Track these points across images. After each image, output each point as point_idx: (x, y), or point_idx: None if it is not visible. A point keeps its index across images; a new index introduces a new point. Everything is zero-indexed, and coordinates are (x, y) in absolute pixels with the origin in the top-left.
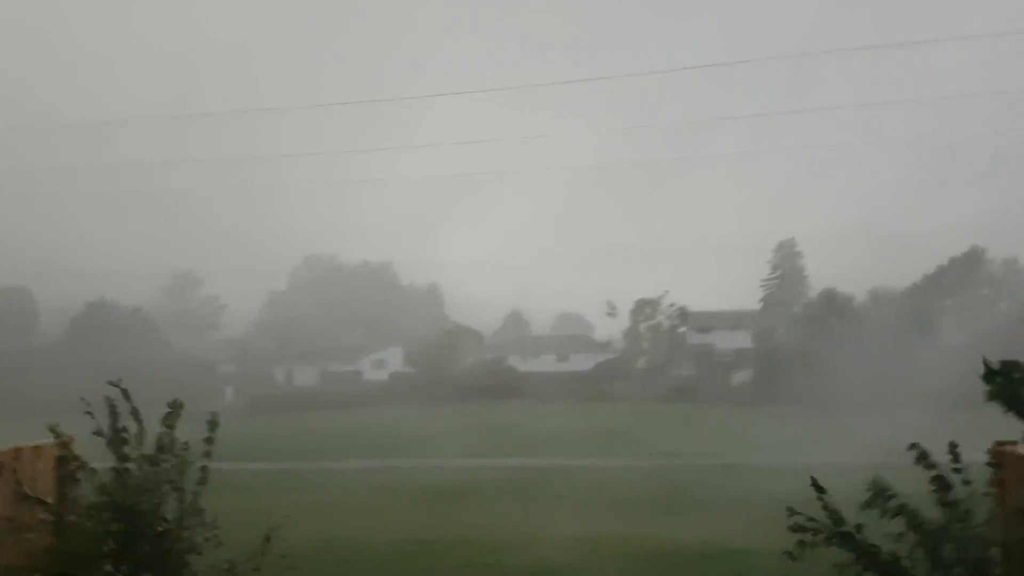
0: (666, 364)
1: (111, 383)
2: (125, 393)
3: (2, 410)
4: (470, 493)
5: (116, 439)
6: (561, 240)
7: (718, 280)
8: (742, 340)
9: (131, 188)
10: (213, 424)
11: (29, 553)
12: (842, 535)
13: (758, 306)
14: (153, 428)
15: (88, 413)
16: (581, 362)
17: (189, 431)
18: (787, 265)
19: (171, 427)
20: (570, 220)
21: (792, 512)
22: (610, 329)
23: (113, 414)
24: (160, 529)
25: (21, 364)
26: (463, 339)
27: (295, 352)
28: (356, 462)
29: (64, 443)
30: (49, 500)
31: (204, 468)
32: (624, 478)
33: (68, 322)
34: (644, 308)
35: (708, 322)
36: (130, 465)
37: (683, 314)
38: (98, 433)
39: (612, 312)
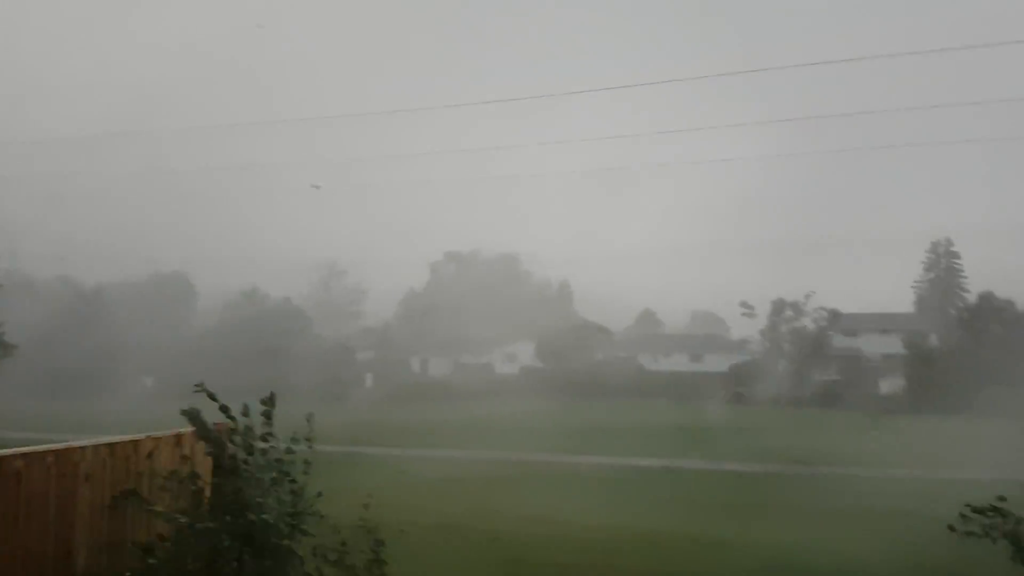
0: (808, 367)
1: (197, 387)
2: (212, 396)
3: (170, 391)
4: (607, 489)
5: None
6: (699, 236)
7: (865, 279)
8: (891, 345)
9: (284, 184)
10: (309, 417)
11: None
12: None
13: (909, 308)
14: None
15: (224, 408)
16: (715, 362)
17: (330, 414)
18: (941, 265)
19: (268, 417)
20: (711, 216)
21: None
22: (747, 329)
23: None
24: (271, 520)
25: (181, 348)
26: (593, 336)
27: (430, 343)
28: (487, 452)
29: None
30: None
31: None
32: (779, 484)
33: (222, 308)
34: (785, 309)
35: (855, 324)
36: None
37: (833, 316)
38: (204, 437)
39: (750, 312)
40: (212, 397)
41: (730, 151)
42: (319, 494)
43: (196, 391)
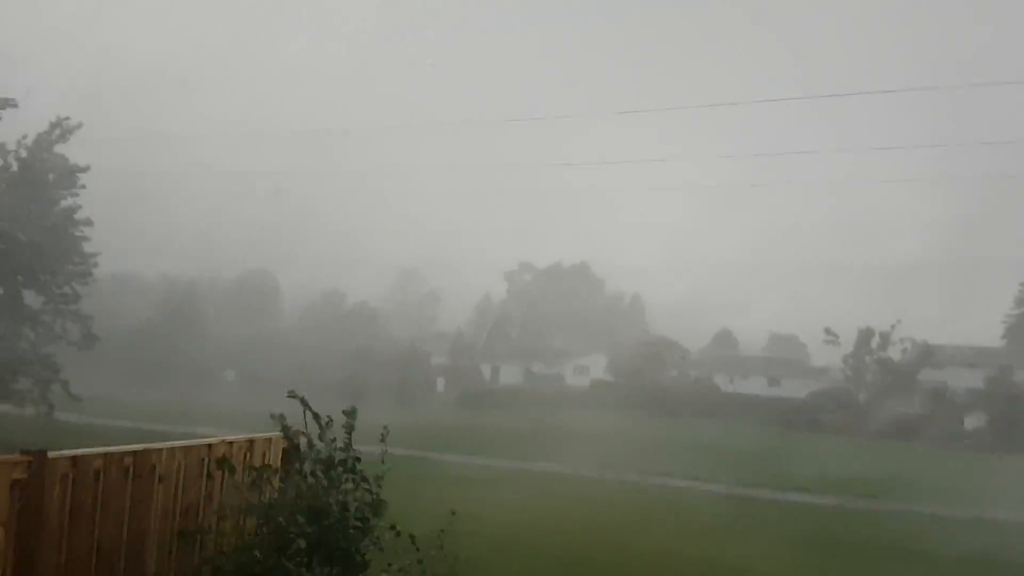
0: (891, 399)
1: (290, 394)
2: (304, 402)
3: (250, 385)
4: (668, 513)
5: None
6: (785, 257)
7: (951, 308)
8: (978, 379)
9: (375, 187)
10: (384, 433)
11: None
12: None
13: (998, 342)
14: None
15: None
16: (793, 388)
17: (400, 417)
18: None
19: (350, 429)
20: (800, 238)
21: None
22: (829, 356)
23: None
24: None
25: (263, 344)
26: (667, 352)
27: (502, 351)
28: (555, 465)
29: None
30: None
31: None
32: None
33: (303, 308)
34: (871, 338)
35: (942, 357)
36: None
37: (923, 350)
38: (290, 442)
39: (833, 340)
40: (304, 404)
41: (825, 173)
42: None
43: (289, 397)
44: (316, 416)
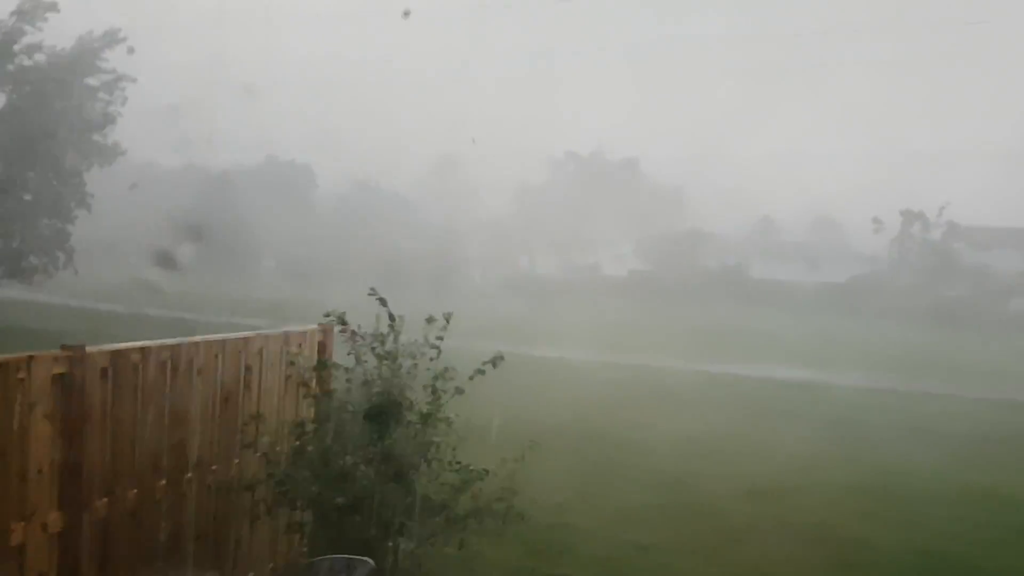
0: (933, 283)
1: (371, 292)
2: (383, 301)
3: (289, 271)
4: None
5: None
6: (830, 140)
7: (1003, 192)
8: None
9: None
10: (448, 317)
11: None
12: None
13: None
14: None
15: (380, 301)
16: (833, 273)
17: (442, 306)
18: None
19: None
20: (847, 120)
21: None
22: (872, 240)
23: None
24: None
25: (299, 234)
26: (704, 240)
27: (540, 241)
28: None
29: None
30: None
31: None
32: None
33: (338, 197)
34: (914, 220)
35: (988, 239)
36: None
37: (954, 229)
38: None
39: (878, 226)
40: (383, 302)
41: (873, 55)
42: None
43: (371, 295)
44: (392, 316)
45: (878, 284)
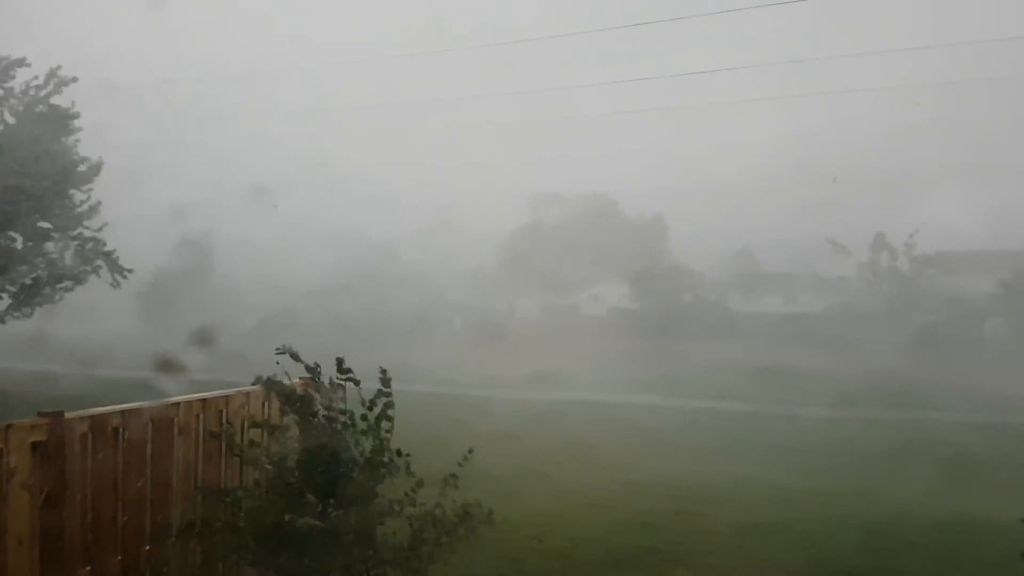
0: (907, 309)
1: (279, 350)
2: (296, 357)
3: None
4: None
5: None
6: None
7: (979, 210)
8: (993, 284)
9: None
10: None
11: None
12: None
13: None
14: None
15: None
16: (810, 304)
17: (422, 356)
18: None
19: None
20: (816, 149)
21: None
22: (845, 267)
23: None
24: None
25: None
26: (682, 276)
27: (516, 285)
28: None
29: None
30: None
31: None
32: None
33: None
34: (886, 246)
35: (960, 263)
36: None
37: (930, 257)
38: (287, 401)
39: (843, 251)
40: (295, 358)
41: (838, 82)
42: (408, 455)
43: (278, 353)
44: (310, 369)
45: (852, 312)
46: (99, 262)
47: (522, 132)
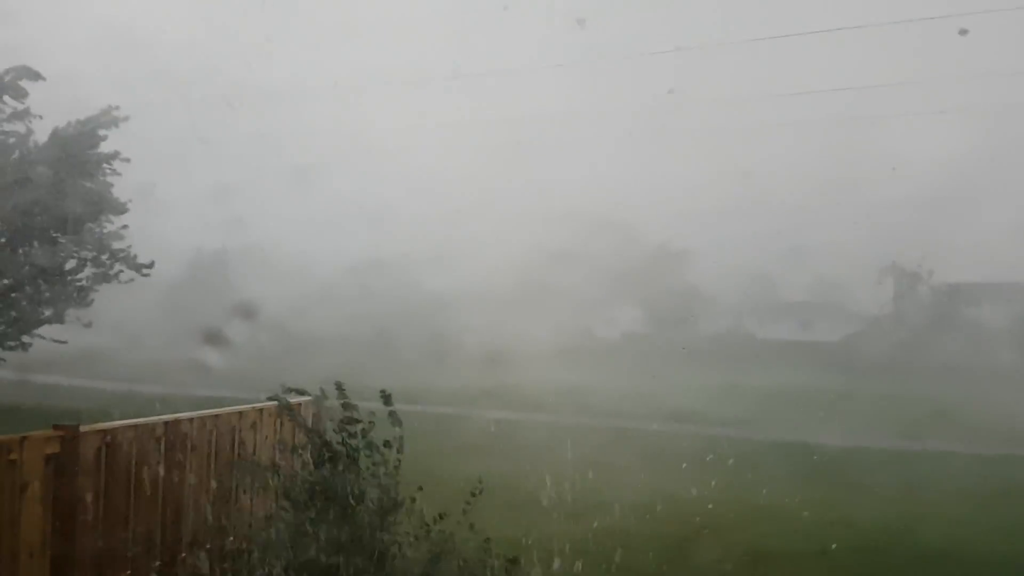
0: (926, 339)
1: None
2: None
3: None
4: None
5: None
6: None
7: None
8: (1009, 315)
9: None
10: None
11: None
12: None
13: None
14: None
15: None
16: (828, 331)
17: (427, 377)
18: None
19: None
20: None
21: None
22: (865, 297)
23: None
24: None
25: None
26: (699, 302)
27: (533, 305)
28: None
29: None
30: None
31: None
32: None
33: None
34: (904, 276)
35: (978, 294)
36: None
37: (952, 289)
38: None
39: (879, 280)
40: (300, 392)
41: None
42: (420, 488)
43: (271, 400)
44: (319, 399)
45: (869, 341)
46: (119, 266)
47: (537, 153)
